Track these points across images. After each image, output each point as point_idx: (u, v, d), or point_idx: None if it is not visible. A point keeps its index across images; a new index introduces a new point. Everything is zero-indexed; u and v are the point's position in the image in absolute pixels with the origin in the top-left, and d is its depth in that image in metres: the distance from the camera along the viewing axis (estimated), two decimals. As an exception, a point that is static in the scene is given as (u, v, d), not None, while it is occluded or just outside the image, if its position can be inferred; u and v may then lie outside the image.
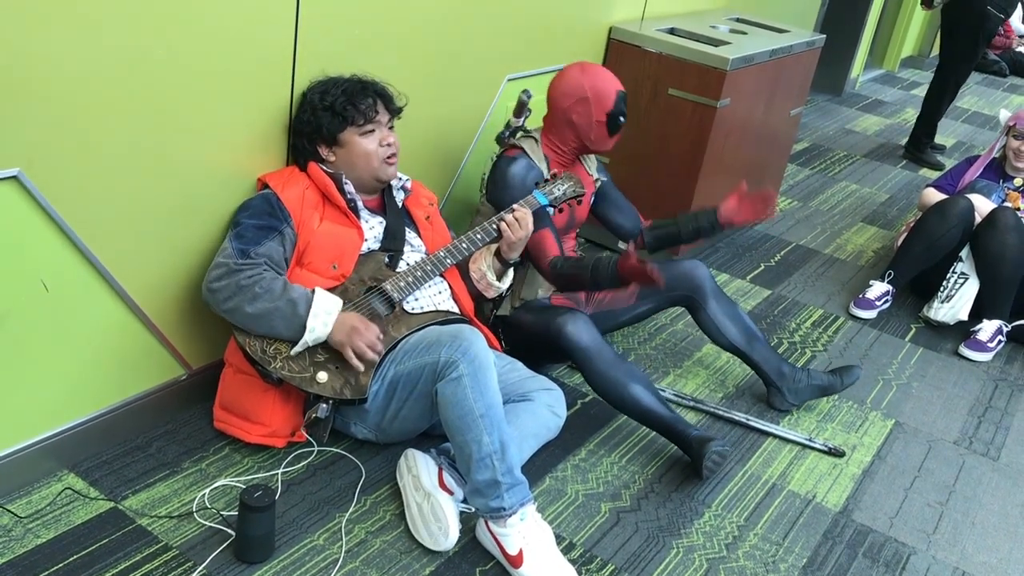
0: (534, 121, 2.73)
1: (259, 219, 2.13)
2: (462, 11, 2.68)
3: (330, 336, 2.07)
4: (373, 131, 2.24)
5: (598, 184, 2.81)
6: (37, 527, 1.93)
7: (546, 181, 2.46)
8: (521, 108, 2.60)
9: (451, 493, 2.09)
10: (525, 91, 2.59)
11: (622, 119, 2.60)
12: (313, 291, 2.08)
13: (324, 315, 2.06)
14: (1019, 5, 5.43)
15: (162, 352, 2.23)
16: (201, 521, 2.01)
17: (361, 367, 2.08)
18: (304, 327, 2.04)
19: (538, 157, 2.60)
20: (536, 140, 2.63)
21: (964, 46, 5.28)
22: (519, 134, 2.64)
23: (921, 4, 5.43)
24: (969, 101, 7.47)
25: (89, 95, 1.82)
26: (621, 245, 3.62)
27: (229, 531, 1.98)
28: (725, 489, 2.40)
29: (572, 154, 2.66)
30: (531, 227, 2.35)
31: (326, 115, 2.19)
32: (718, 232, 2.78)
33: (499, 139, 2.65)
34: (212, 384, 2.29)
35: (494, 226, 2.34)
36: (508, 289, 2.52)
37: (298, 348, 2.07)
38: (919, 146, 5.61)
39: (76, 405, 2.09)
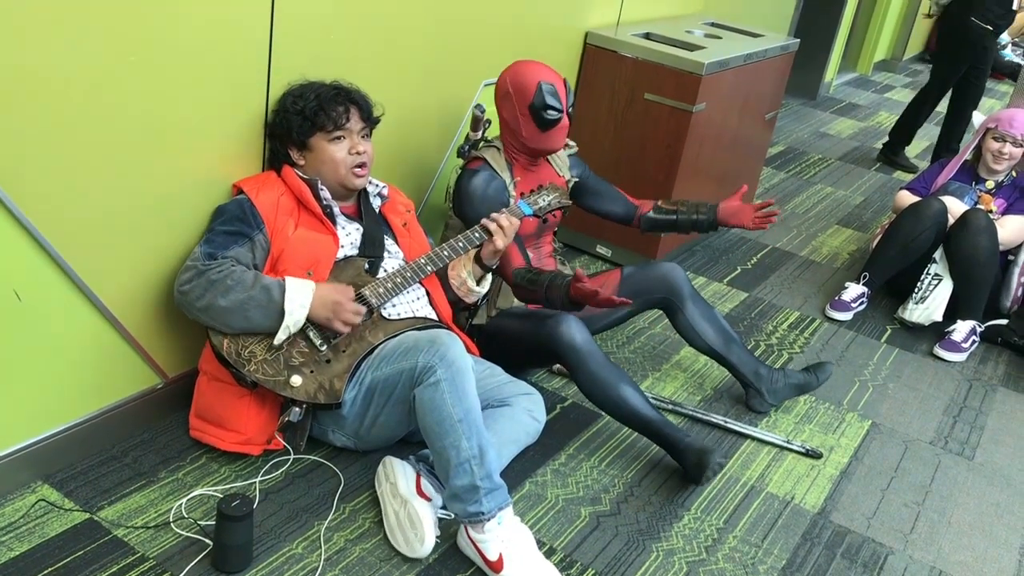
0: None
1: (230, 225, 2.12)
2: (438, 16, 2.68)
3: (312, 314, 2.08)
4: (342, 138, 2.23)
5: (571, 183, 2.82)
6: (10, 540, 1.91)
7: (531, 191, 2.47)
8: (477, 123, 2.60)
9: (429, 499, 2.08)
10: (478, 106, 2.60)
11: (551, 113, 2.51)
12: (284, 279, 2.08)
13: (300, 297, 2.06)
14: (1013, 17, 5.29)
15: (137, 361, 2.21)
16: (178, 531, 1.99)
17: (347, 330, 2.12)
18: (282, 312, 2.04)
19: (500, 166, 2.59)
20: (498, 148, 2.62)
21: (947, 58, 5.29)
22: (480, 145, 2.64)
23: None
24: (942, 104, 7.54)
25: (62, 103, 1.80)
26: (600, 248, 3.64)
27: (207, 541, 1.96)
28: (704, 492, 2.41)
29: (526, 155, 2.64)
30: (513, 235, 2.36)
31: (297, 119, 2.19)
32: (713, 230, 2.84)
33: (460, 153, 2.65)
34: (188, 393, 2.28)
35: (476, 235, 2.33)
36: (484, 297, 2.51)
37: (280, 336, 2.06)
38: (895, 150, 5.66)
39: (50, 415, 2.07)
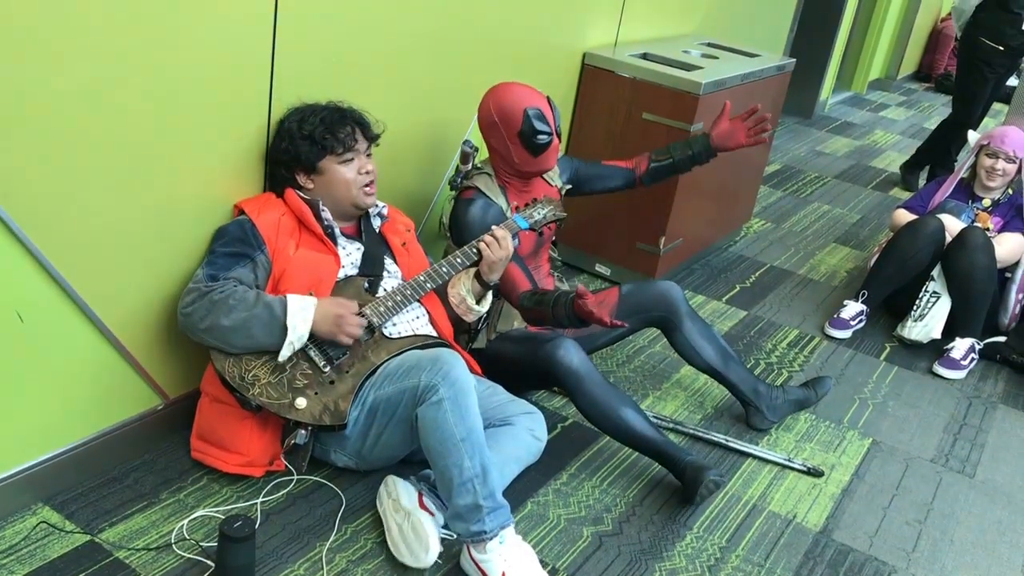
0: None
1: (231, 246, 2.13)
2: (437, 38, 2.70)
3: (315, 329, 2.07)
4: (352, 159, 2.24)
5: (563, 191, 2.83)
6: (11, 563, 1.90)
7: (526, 205, 2.47)
8: (466, 158, 2.60)
9: (432, 515, 2.08)
10: (467, 142, 2.59)
11: (541, 137, 2.49)
12: (286, 296, 2.08)
13: (301, 311, 2.06)
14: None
15: (138, 382, 2.21)
16: (180, 553, 1.99)
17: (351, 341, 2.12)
18: (284, 328, 2.04)
19: (494, 192, 2.58)
20: (489, 175, 2.61)
21: (964, 83, 5.23)
22: (472, 173, 2.63)
23: None
24: (938, 123, 7.58)
25: (64, 124, 1.81)
26: (599, 267, 3.64)
27: (208, 562, 1.95)
28: (707, 511, 2.41)
29: (519, 178, 2.63)
30: (511, 248, 2.35)
31: (305, 143, 2.19)
32: (712, 157, 2.89)
33: (452, 184, 2.65)
34: (189, 414, 2.27)
35: (474, 250, 2.34)
36: (484, 320, 2.51)
37: (285, 352, 2.06)
38: (912, 169, 5.63)
39: (51, 437, 2.07)
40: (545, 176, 2.76)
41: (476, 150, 2.61)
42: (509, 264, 2.47)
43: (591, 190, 2.92)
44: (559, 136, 2.59)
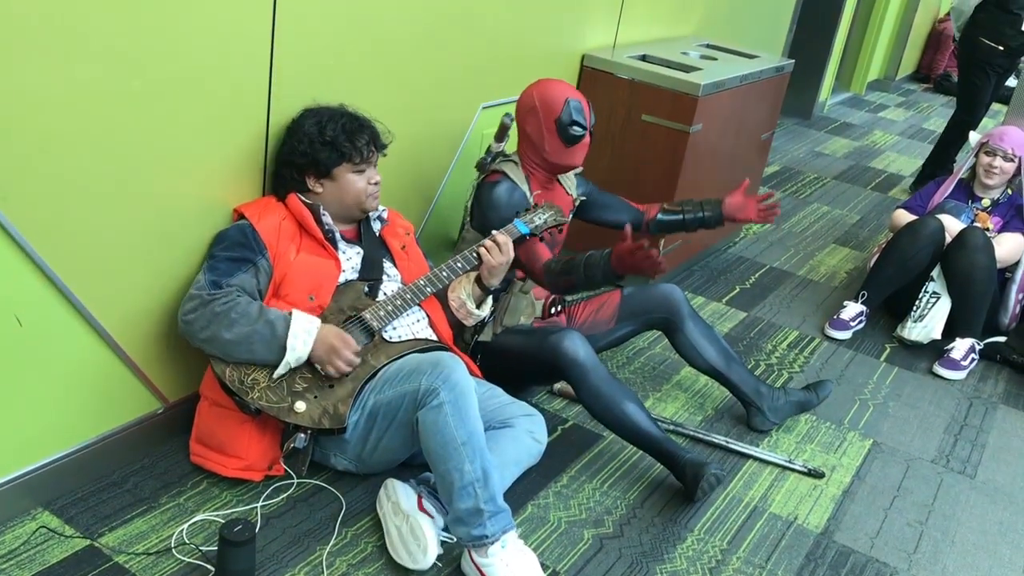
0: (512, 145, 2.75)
1: (233, 251, 2.12)
2: (437, 40, 2.69)
3: (311, 354, 2.07)
4: (365, 170, 2.25)
5: (577, 202, 2.83)
6: (11, 568, 1.89)
7: (527, 210, 2.48)
8: (503, 132, 2.63)
9: (431, 517, 2.08)
10: (507, 115, 2.63)
11: (576, 129, 2.56)
12: (290, 312, 2.07)
13: (304, 334, 2.05)
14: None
15: (138, 386, 2.21)
16: (180, 557, 1.98)
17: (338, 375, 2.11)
18: (284, 348, 2.04)
19: (519, 179, 2.62)
20: (516, 163, 2.65)
21: (968, 84, 5.23)
22: (499, 159, 2.66)
23: None
24: (936, 123, 7.60)
25: (64, 128, 1.81)
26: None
27: (208, 567, 1.95)
28: (707, 513, 2.40)
29: (544, 171, 2.66)
30: (512, 253, 2.36)
31: (324, 149, 2.19)
32: (720, 225, 2.90)
33: (479, 165, 2.66)
34: (189, 417, 2.27)
35: (474, 254, 2.34)
36: (490, 317, 2.51)
37: (280, 370, 2.06)
38: (925, 182, 5.63)
39: (50, 441, 2.06)
40: (565, 184, 2.77)
41: (512, 121, 2.64)
42: (532, 239, 2.48)
43: (597, 218, 2.91)
44: (591, 137, 2.63)
